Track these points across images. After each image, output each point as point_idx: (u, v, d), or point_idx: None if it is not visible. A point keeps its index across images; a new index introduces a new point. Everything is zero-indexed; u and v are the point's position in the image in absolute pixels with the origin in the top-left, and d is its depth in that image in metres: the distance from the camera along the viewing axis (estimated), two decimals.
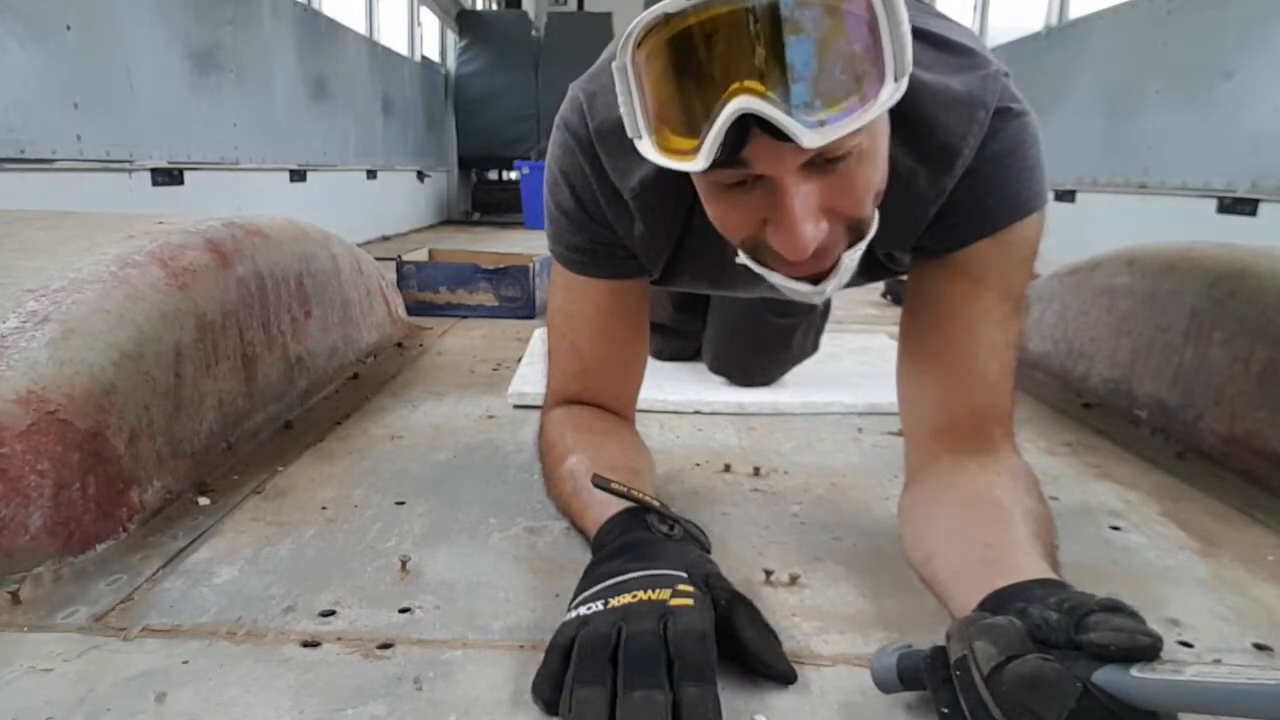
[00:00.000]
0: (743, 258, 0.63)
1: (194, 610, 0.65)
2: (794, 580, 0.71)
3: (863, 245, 0.62)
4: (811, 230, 0.55)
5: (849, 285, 0.78)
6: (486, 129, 5.87)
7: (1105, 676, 0.43)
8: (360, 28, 4.39)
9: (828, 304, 1.31)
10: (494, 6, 7.93)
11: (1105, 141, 3.27)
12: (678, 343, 1.44)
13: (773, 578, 0.72)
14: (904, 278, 0.79)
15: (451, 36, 6.17)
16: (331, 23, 3.84)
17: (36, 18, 1.87)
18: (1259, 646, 0.63)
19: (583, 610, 0.56)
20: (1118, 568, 0.76)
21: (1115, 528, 0.85)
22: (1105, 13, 3.36)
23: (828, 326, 1.38)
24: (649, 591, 0.56)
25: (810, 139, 0.49)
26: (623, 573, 0.59)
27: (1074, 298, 1.40)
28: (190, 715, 0.53)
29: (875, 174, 0.59)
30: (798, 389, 1.30)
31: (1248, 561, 0.78)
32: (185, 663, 0.58)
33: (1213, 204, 2.61)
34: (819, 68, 0.48)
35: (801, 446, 1.09)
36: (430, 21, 5.92)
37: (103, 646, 0.60)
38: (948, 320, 0.72)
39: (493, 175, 6.67)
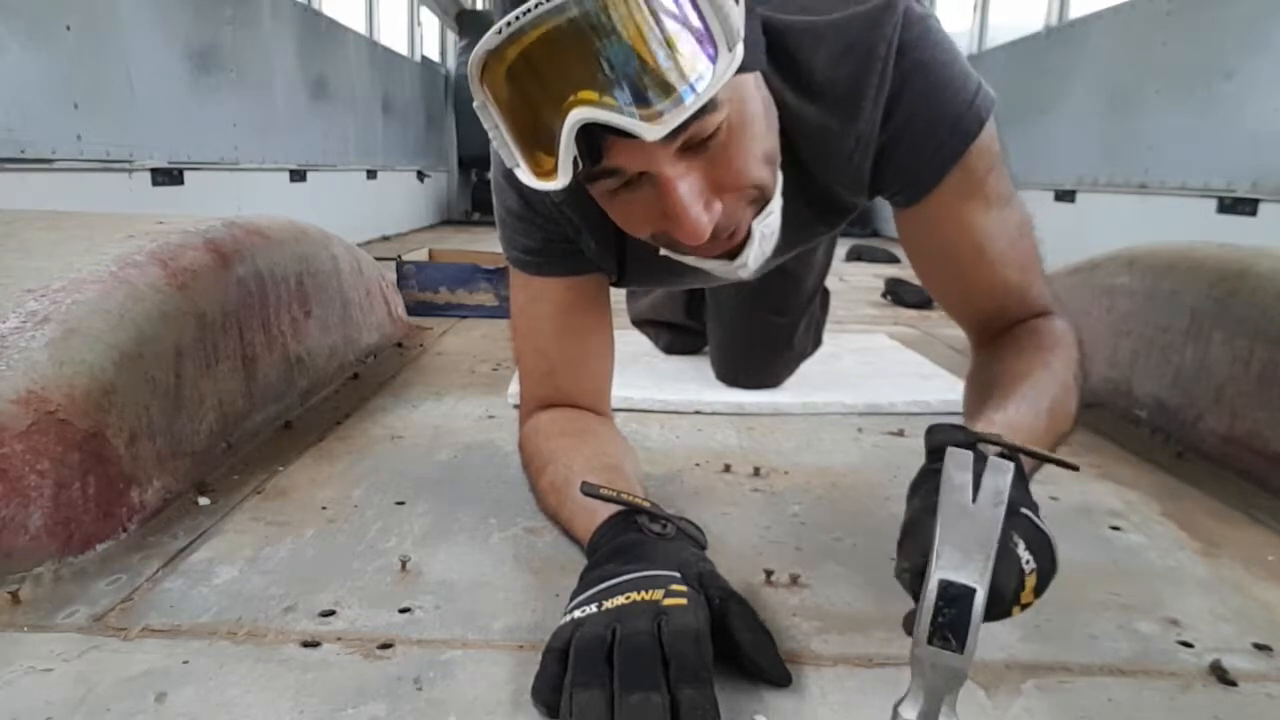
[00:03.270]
0: (663, 250, 0.64)
1: (194, 610, 0.65)
2: (794, 580, 0.71)
3: (773, 211, 0.62)
4: (702, 213, 0.55)
5: (823, 231, 0.82)
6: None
7: None
8: (360, 28, 4.39)
9: (826, 294, 1.31)
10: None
11: (1105, 141, 3.27)
12: (686, 339, 1.49)
13: (773, 578, 0.72)
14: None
15: (451, 36, 6.17)
16: (331, 23, 3.84)
17: (36, 18, 1.87)
18: (1259, 646, 0.63)
19: (577, 614, 0.56)
20: (1118, 568, 0.76)
21: (1115, 528, 0.85)
22: (1105, 13, 3.36)
23: (828, 326, 1.38)
24: (642, 592, 0.55)
25: (652, 132, 0.49)
26: (615, 575, 0.58)
27: (1074, 298, 1.39)
28: (190, 715, 0.53)
29: (754, 141, 0.58)
30: (798, 389, 1.29)
31: (1248, 561, 0.78)
32: (185, 663, 0.58)
33: (1213, 204, 2.61)
34: (641, 62, 0.48)
35: (801, 446, 1.09)
36: (430, 21, 5.92)
37: (103, 646, 0.60)
38: (952, 254, 0.75)
39: None
